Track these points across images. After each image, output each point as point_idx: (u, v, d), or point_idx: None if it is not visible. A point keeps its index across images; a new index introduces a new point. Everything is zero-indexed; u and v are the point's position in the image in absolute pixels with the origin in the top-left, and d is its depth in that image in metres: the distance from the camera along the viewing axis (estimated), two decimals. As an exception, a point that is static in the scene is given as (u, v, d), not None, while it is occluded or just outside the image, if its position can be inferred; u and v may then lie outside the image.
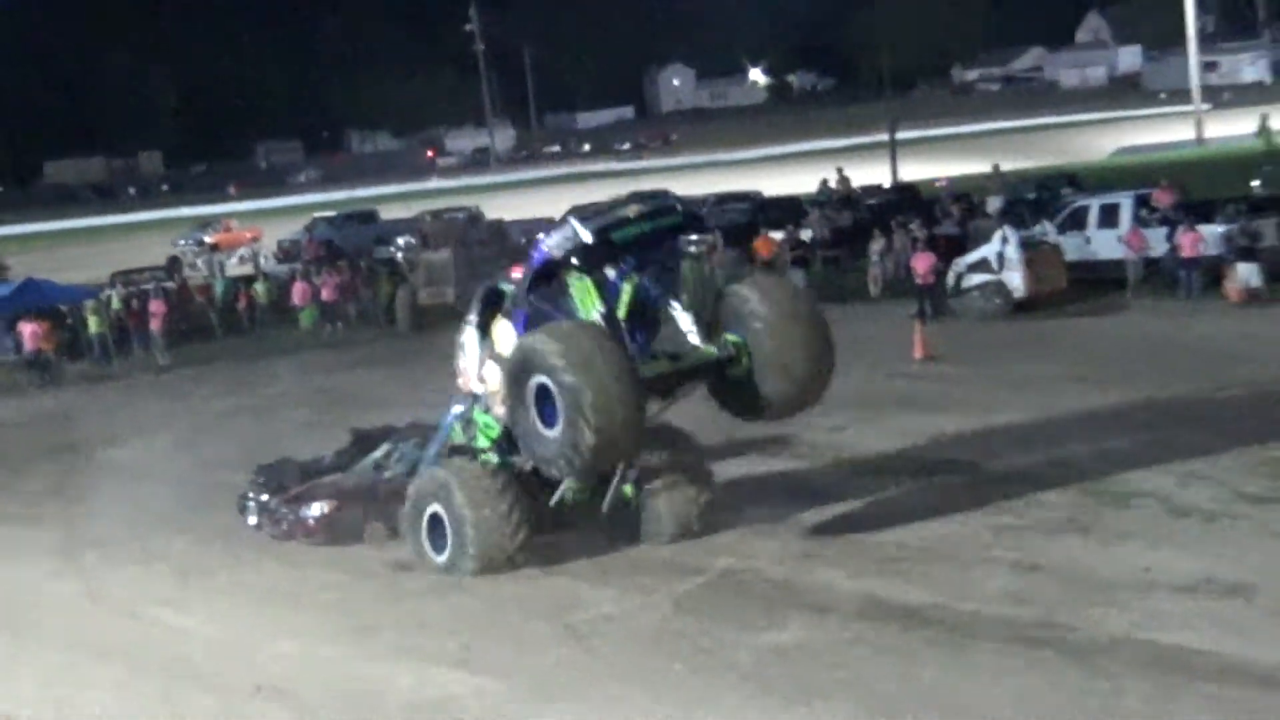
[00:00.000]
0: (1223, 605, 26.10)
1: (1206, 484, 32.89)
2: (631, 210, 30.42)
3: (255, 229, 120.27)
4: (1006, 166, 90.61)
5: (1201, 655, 24.08)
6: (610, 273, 30.60)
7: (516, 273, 32.47)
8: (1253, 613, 25.71)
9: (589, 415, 28.08)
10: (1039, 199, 72.18)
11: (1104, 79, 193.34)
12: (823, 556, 30.77)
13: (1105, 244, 58.55)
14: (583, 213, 30.98)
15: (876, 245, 63.84)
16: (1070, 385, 43.55)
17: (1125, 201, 60.18)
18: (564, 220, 30.78)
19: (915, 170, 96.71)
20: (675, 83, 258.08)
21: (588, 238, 29.66)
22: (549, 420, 28.93)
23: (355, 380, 56.66)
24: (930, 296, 55.81)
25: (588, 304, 30.38)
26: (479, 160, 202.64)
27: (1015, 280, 55.73)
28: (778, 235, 69.99)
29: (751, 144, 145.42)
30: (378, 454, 36.31)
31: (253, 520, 35.81)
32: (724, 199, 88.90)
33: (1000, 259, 56.02)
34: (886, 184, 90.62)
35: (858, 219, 74.84)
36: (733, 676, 25.11)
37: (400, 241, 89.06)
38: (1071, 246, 58.51)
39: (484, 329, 32.08)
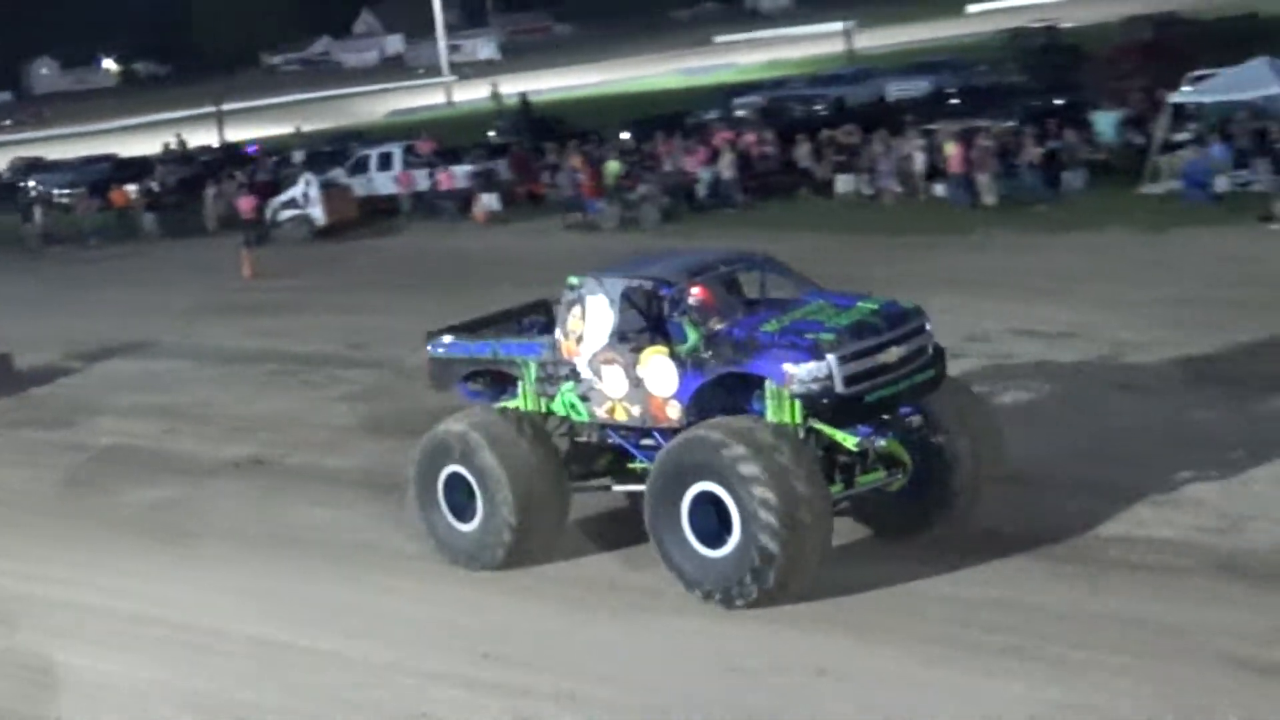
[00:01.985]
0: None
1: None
2: (893, 353, 19.08)
3: None
4: (307, 128, 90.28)
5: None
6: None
7: (697, 293, 20.27)
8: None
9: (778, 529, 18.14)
10: (333, 151, 71.97)
11: (377, 60, 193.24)
12: (182, 431, 30.45)
13: (383, 183, 59.02)
14: (833, 325, 19.20)
15: (210, 191, 62.97)
16: (367, 288, 44.00)
17: (396, 150, 60.85)
18: (814, 344, 18.78)
19: (239, 133, 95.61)
20: (44, 71, 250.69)
21: (840, 386, 18.65)
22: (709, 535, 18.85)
23: None
24: (254, 228, 55.15)
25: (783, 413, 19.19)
26: None
27: (316, 213, 55.80)
28: (132, 187, 68.60)
29: (109, 117, 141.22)
30: None
31: None
32: (89, 160, 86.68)
33: (305, 198, 56.13)
34: (215, 144, 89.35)
35: (195, 171, 73.95)
36: (122, 527, 24.77)
37: None
38: (359, 185, 58.76)
39: (632, 331, 20.19)
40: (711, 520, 18.77)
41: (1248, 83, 43.60)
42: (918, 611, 18.43)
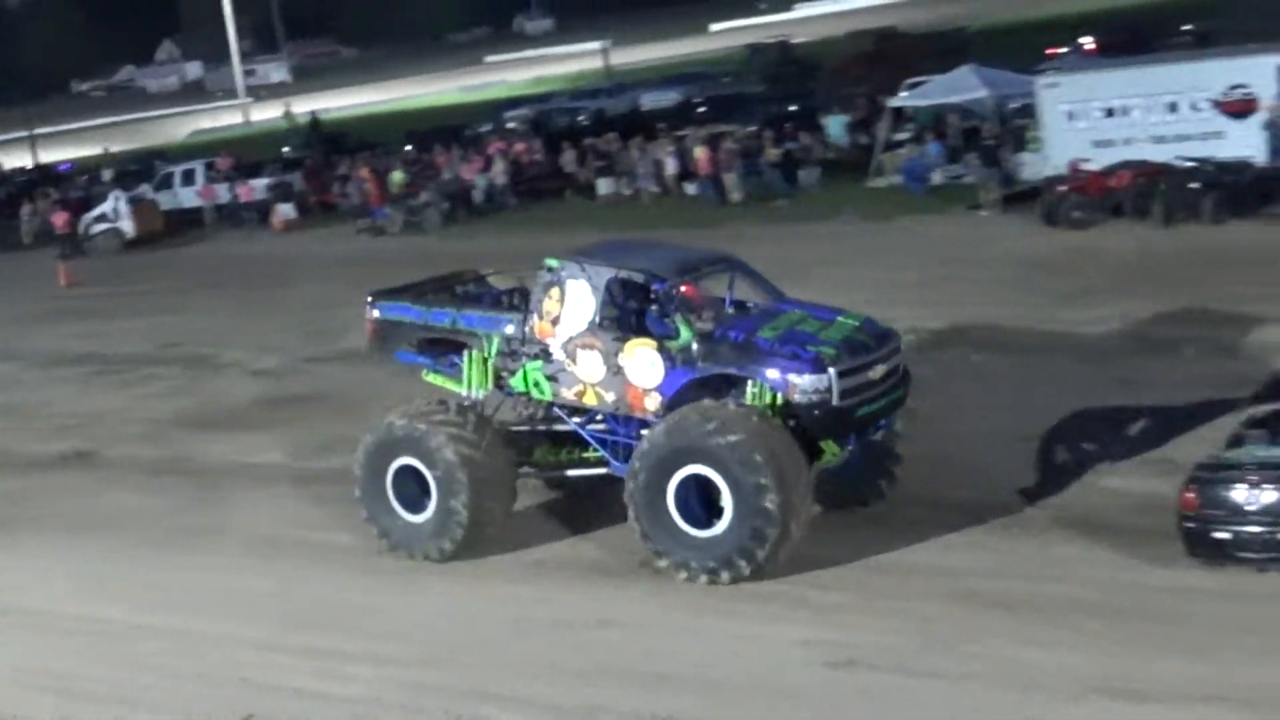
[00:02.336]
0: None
1: (276, 353, 33.21)
2: (877, 371, 18.33)
3: None
4: (115, 149, 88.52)
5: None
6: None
7: (685, 290, 19.20)
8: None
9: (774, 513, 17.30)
10: (139, 170, 70.52)
11: (178, 85, 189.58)
12: (10, 429, 29.87)
13: (187, 197, 58.11)
14: (832, 346, 18.15)
15: (25, 208, 61.52)
16: (176, 293, 43.32)
17: (198, 167, 59.97)
18: (817, 357, 17.78)
19: (52, 155, 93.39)
20: None
21: (836, 400, 17.77)
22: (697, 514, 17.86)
23: None
24: (68, 242, 53.99)
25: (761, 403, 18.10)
26: None
27: (126, 226, 54.75)
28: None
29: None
30: None
31: None
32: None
33: (115, 212, 55.10)
34: (29, 165, 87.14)
35: (9, 191, 72.09)
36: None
37: None
38: (164, 200, 57.70)
39: (614, 320, 18.93)
40: (695, 503, 17.79)
41: (957, 88, 44.45)
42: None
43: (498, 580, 18.97)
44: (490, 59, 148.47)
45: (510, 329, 19.60)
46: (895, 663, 15.50)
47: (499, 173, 50.72)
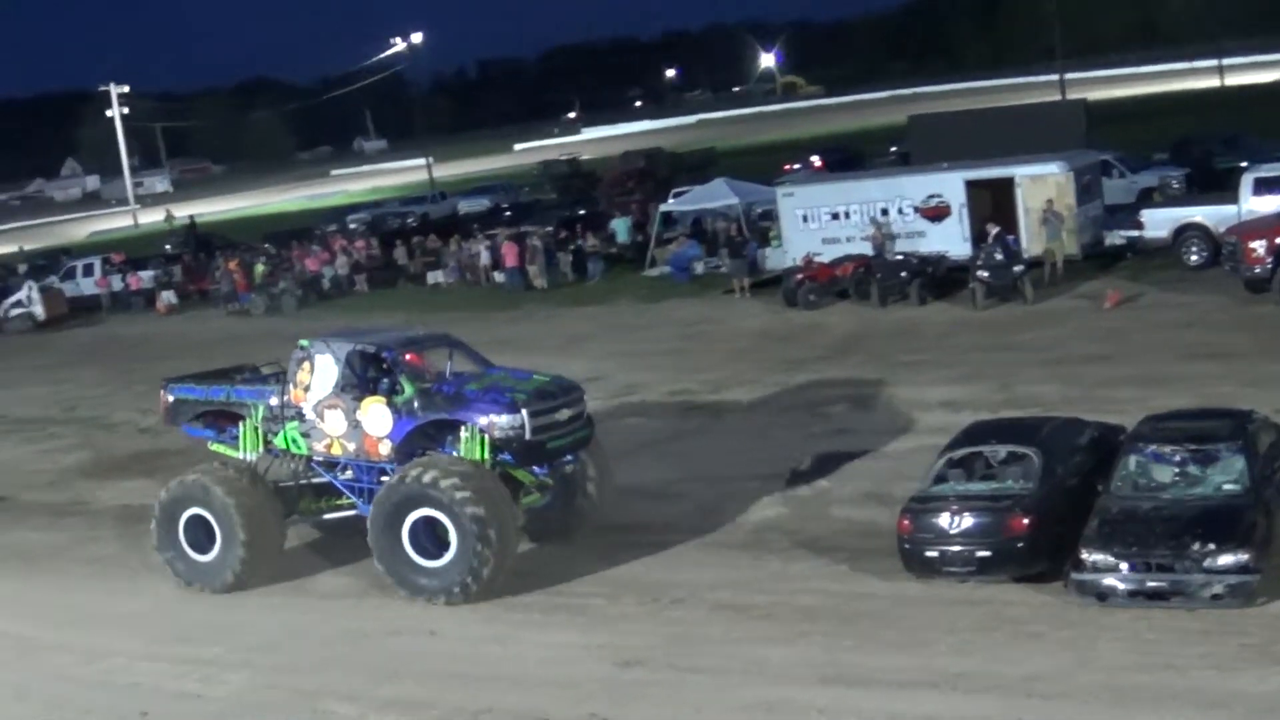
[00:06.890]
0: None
1: (156, 415, 32.22)
2: (564, 414, 18.67)
3: None
4: (28, 247, 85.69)
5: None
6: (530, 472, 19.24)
7: (410, 358, 19.30)
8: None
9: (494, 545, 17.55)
10: (48, 264, 67.94)
11: (80, 194, 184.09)
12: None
13: (88, 286, 56.34)
14: (528, 391, 18.62)
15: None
16: (77, 365, 42.07)
17: (96, 261, 58.19)
18: (512, 401, 18.22)
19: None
20: None
21: (528, 435, 18.17)
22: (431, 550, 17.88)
23: None
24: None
25: (473, 452, 18.33)
26: None
27: (38, 311, 52.96)
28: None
29: None
30: None
31: None
32: None
33: (28, 299, 53.31)
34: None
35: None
36: None
37: None
38: (69, 288, 56.10)
39: (352, 384, 19.10)
40: (427, 539, 17.82)
41: (713, 196, 44.93)
42: (513, 584, 18.26)
43: (332, 599, 18.81)
44: (335, 173, 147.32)
45: (273, 399, 19.80)
46: (666, 661, 15.45)
47: (342, 265, 50.11)
